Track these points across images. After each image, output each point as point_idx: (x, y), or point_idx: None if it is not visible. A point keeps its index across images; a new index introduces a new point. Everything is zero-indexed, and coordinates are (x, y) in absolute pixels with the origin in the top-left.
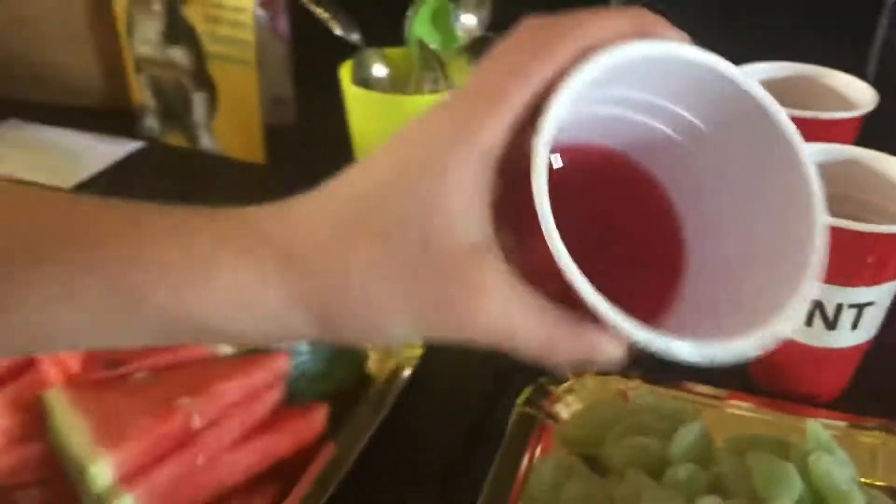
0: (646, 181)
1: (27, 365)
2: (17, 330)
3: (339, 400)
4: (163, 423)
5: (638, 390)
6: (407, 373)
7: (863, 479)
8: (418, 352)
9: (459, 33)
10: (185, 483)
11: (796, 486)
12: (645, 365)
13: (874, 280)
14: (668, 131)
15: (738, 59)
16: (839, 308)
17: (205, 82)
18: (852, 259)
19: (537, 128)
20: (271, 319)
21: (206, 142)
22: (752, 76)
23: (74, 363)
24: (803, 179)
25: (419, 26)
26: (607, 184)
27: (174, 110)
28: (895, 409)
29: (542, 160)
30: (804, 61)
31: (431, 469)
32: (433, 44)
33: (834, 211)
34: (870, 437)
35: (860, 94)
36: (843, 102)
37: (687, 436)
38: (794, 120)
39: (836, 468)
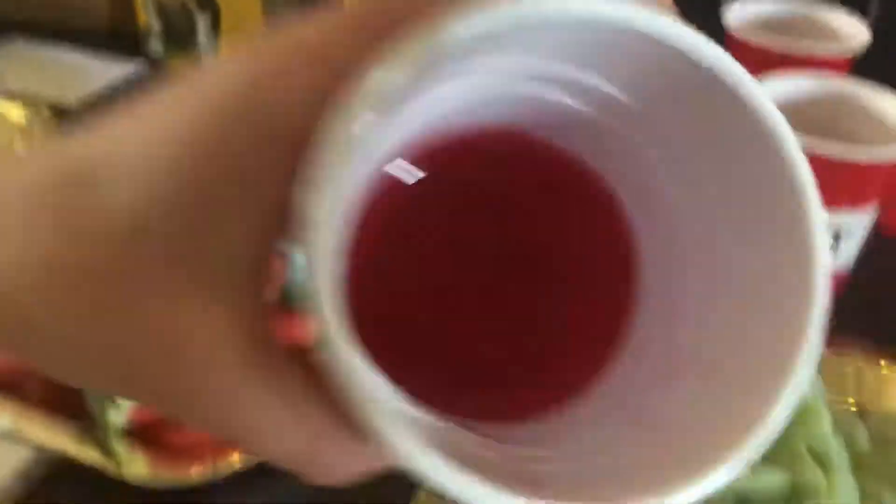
0: (585, 180)
1: None
2: None
3: None
4: None
5: None
6: None
7: (832, 400)
8: None
9: None
10: None
11: None
12: None
13: (852, 208)
14: (592, 111)
15: None
16: None
17: (209, 4)
18: (831, 186)
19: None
20: None
21: None
22: (746, 15)
23: None
24: (789, 185)
25: None
26: (518, 183)
27: (179, 32)
28: (870, 338)
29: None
30: None
31: None
32: None
33: (818, 139)
34: (842, 363)
35: (855, 33)
36: (837, 41)
37: None
38: (788, 58)
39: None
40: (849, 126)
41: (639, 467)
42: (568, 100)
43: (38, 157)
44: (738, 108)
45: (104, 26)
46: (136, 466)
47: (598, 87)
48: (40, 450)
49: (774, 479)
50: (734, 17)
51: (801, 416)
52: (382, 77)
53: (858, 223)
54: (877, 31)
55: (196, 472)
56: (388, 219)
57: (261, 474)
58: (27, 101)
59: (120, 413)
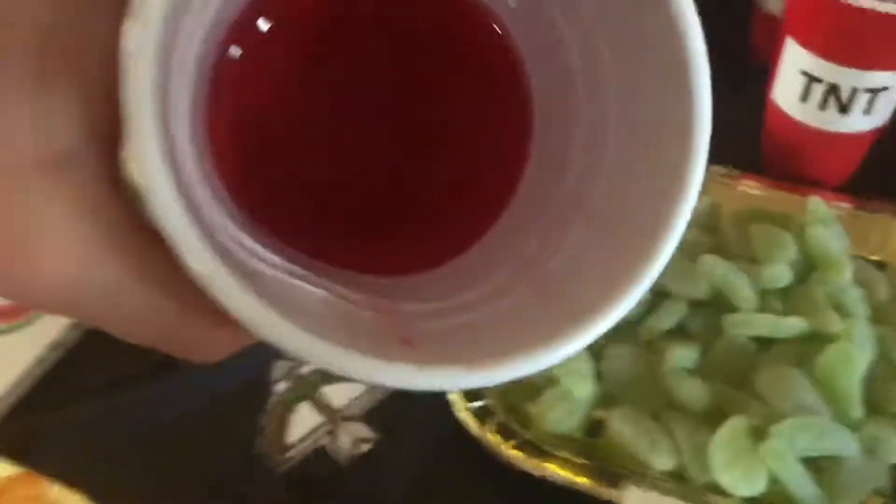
0: (488, 31)
1: None
2: None
3: None
4: None
5: None
6: None
7: (855, 253)
8: None
9: None
10: None
11: (791, 250)
12: None
13: (891, 65)
14: None
15: None
16: (854, 92)
17: None
18: (872, 41)
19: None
20: None
21: None
22: None
23: None
24: (676, 39)
25: None
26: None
27: None
28: None
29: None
30: None
31: None
32: None
33: None
34: (871, 218)
35: None
36: None
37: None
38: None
39: (831, 239)
40: None
41: (517, 321)
42: None
43: None
44: None
45: None
46: None
47: None
48: None
49: (795, 325)
50: None
51: (823, 267)
52: None
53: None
54: None
55: None
56: (273, 50)
57: None
58: None
59: None
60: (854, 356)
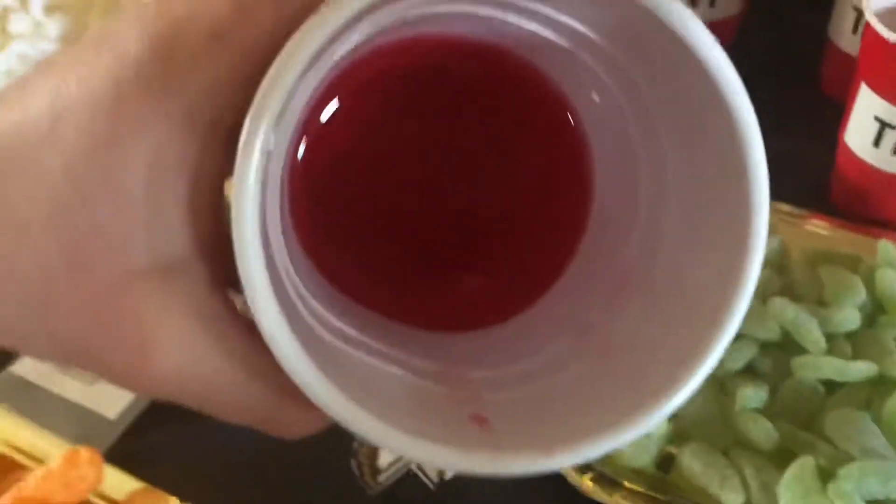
0: (553, 100)
1: None
2: None
3: None
4: None
5: None
6: None
7: None
8: None
9: None
10: None
11: (860, 294)
12: None
13: None
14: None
15: None
16: None
17: None
18: None
19: (257, 99)
20: None
21: None
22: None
23: None
24: (738, 142)
25: None
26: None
27: None
28: None
29: (255, 152)
30: None
31: None
32: None
33: None
34: None
35: None
36: None
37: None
38: None
39: None
40: None
41: (584, 396)
42: (543, 30)
43: None
44: (699, 71)
45: None
46: None
47: (571, 25)
48: None
49: (863, 369)
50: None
51: (892, 311)
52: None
53: None
54: None
55: None
56: (350, 116)
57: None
58: None
59: None
60: None
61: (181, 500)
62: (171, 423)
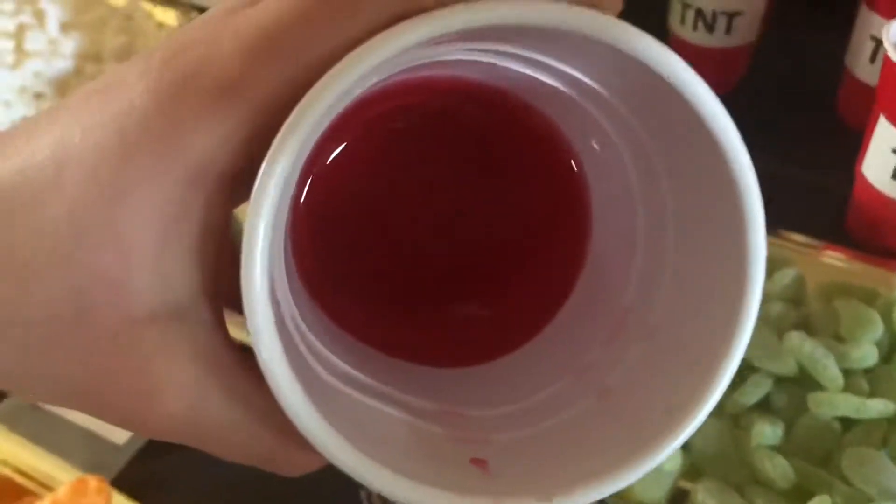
0: (553, 145)
1: None
2: None
3: None
4: None
5: None
6: None
7: None
8: None
9: None
10: None
11: (878, 330)
12: None
13: None
14: (561, 87)
15: None
16: None
17: None
18: None
19: (270, 154)
20: None
21: None
22: None
23: None
24: (735, 194)
25: None
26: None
27: None
28: None
29: (266, 205)
30: None
31: None
32: None
33: None
34: None
35: None
36: None
37: (783, 278)
38: None
39: None
40: None
41: (583, 439)
42: (544, 76)
43: None
44: (695, 120)
45: None
46: None
47: (572, 74)
48: None
49: (880, 408)
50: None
51: None
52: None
53: None
54: None
55: None
56: (353, 156)
57: None
58: (180, 5)
59: None
60: None
61: None
62: (180, 449)
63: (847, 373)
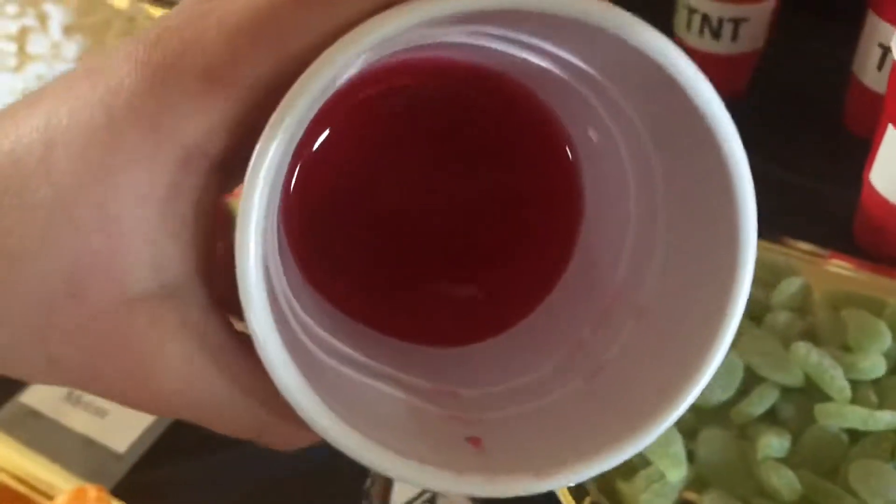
0: (546, 123)
1: None
2: None
3: None
4: None
5: None
6: None
7: None
8: None
9: None
10: None
11: (886, 340)
12: None
13: None
14: (555, 69)
15: None
16: None
17: None
18: None
19: (264, 135)
20: None
21: None
22: None
23: None
24: (727, 178)
25: None
26: (465, 105)
27: None
28: None
29: (260, 183)
30: None
31: None
32: None
33: None
34: None
35: None
36: None
37: (789, 287)
38: None
39: None
40: None
41: (575, 416)
42: (541, 60)
43: None
44: (687, 103)
45: None
46: None
47: (570, 60)
48: None
49: (888, 419)
50: None
51: None
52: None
53: None
54: None
55: None
56: (346, 137)
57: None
58: None
59: None
60: None
61: None
62: (180, 457)
63: (855, 384)
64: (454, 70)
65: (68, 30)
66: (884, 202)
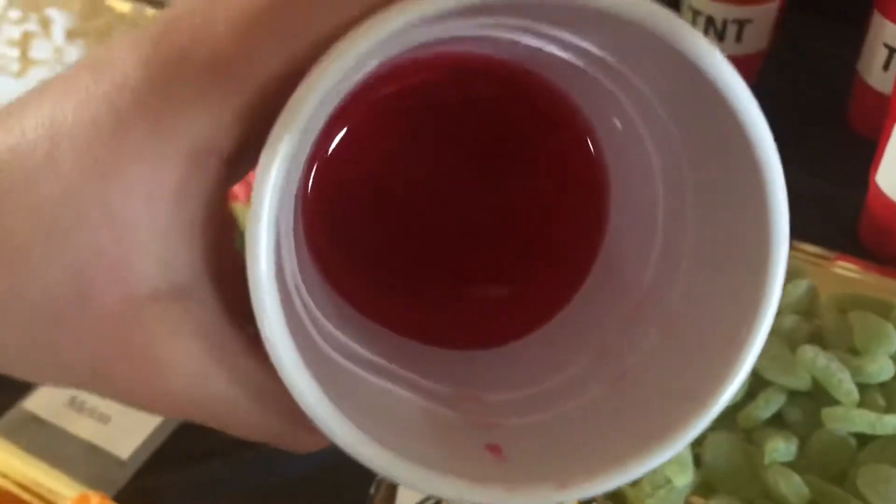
0: (571, 119)
1: None
2: None
3: None
4: None
5: None
6: None
7: None
8: None
9: None
10: None
11: (893, 343)
12: None
13: None
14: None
15: None
16: None
17: None
18: None
19: (270, 137)
20: None
21: None
22: None
23: None
24: (756, 168)
25: None
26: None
27: None
28: None
29: (270, 188)
30: None
31: None
32: None
33: None
34: None
35: None
36: None
37: (796, 290)
38: None
39: None
40: None
41: (597, 426)
42: (564, 53)
43: None
44: (716, 98)
45: None
46: None
47: (594, 52)
48: None
49: (894, 423)
50: None
51: None
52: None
53: None
54: None
55: None
56: (364, 135)
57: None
58: None
59: None
60: None
61: None
62: (184, 463)
63: (862, 387)
64: (473, 64)
65: (71, 35)
66: (890, 203)
